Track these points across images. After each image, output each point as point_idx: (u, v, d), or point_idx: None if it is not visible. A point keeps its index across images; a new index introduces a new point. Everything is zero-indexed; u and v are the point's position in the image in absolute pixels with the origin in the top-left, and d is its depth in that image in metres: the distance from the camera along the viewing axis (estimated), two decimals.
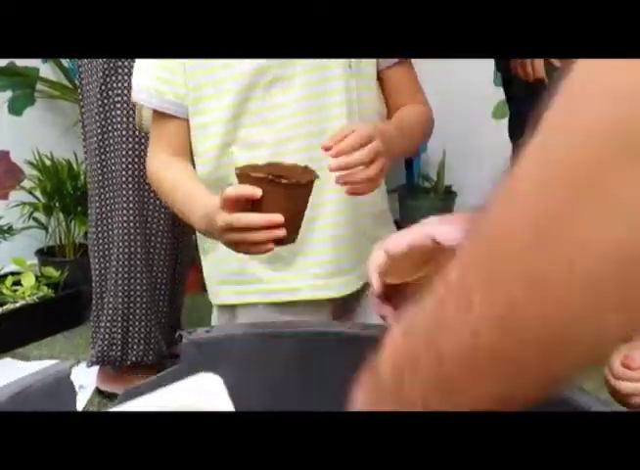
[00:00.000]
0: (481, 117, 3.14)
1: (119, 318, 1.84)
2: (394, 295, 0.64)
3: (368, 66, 0.96)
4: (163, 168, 0.98)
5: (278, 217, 0.74)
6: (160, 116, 0.98)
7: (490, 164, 3.24)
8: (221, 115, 0.95)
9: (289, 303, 0.98)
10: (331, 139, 0.81)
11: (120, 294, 1.82)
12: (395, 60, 0.97)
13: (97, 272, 1.86)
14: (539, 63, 1.98)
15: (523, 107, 2.09)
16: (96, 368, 1.92)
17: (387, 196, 1.11)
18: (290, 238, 0.78)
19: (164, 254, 1.83)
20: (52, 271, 2.41)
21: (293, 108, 0.93)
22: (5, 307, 2.21)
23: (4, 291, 2.28)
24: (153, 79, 0.94)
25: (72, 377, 0.75)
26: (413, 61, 1.11)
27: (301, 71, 0.92)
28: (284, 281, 0.99)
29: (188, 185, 0.95)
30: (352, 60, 0.91)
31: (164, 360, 1.83)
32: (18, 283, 2.36)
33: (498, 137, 3.00)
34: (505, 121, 3.16)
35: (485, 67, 3.11)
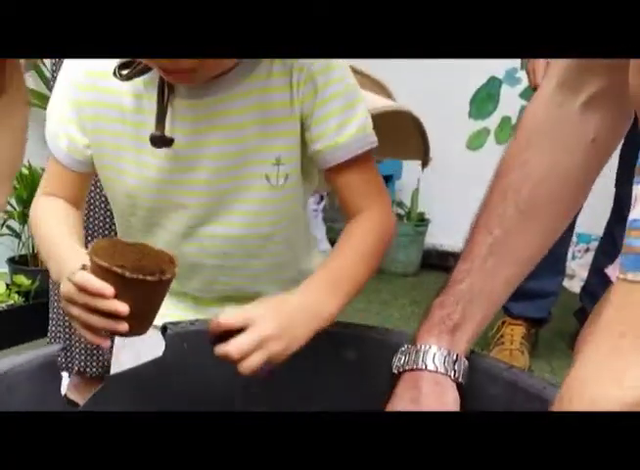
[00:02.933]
0: (456, 147, 3.21)
1: (62, 326, 1.84)
2: None
3: (292, 177, 0.86)
4: (48, 216, 0.89)
5: (123, 307, 0.65)
6: (60, 163, 0.90)
7: (463, 192, 3.30)
8: (121, 188, 0.89)
9: None
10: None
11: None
12: (336, 162, 0.84)
13: (51, 279, 1.86)
14: (539, 69, 1.91)
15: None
16: (66, 378, 1.91)
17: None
18: (133, 331, 0.69)
19: None
20: (23, 280, 2.39)
21: (194, 208, 0.87)
22: None
23: None
24: (62, 135, 0.88)
25: None
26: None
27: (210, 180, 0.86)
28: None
29: (63, 240, 0.84)
30: (271, 173, 0.85)
31: None
32: None
33: (471, 167, 3.07)
34: (479, 153, 3.25)
35: (462, 98, 3.20)
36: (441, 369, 0.65)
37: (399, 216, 3.23)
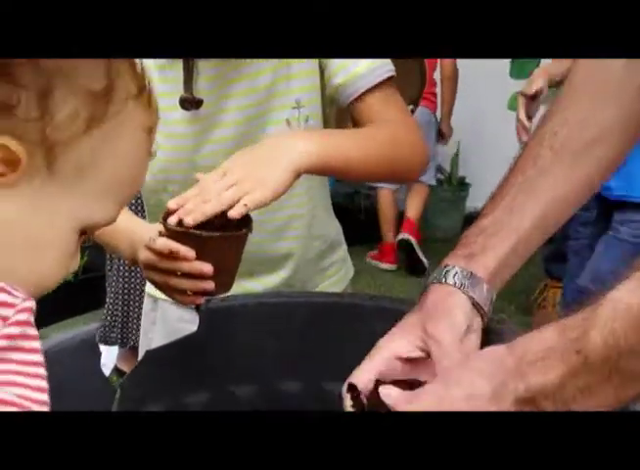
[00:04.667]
0: (497, 108, 3.15)
1: (120, 303, 1.91)
2: None
3: (313, 119, 0.88)
4: None
5: (207, 267, 0.67)
6: None
7: (504, 155, 3.26)
8: (153, 165, 0.88)
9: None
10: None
11: (122, 279, 1.88)
12: (360, 91, 0.84)
13: (108, 256, 1.94)
14: None
15: None
16: (116, 349, 1.98)
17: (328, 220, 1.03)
18: (218, 289, 0.71)
19: None
20: None
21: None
22: None
23: None
24: None
25: None
26: None
27: (234, 121, 0.87)
28: None
29: (124, 216, 0.86)
30: (291, 116, 0.86)
31: None
32: None
33: (513, 128, 3.02)
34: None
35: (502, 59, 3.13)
36: (450, 281, 0.66)
37: (439, 182, 3.20)
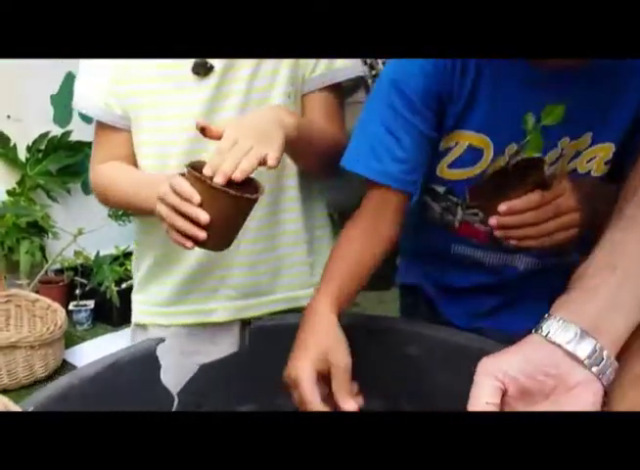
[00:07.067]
0: None
1: None
2: None
3: (293, 96, 0.96)
4: (112, 171, 0.99)
5: (204, 216, 0.72)
6: (104, 126, 0.99)
7: None
8: (157, 137, 0.96)
9: (200, 324, 1.02)
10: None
11: None
12: (319, 85, 0.96)
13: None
14: None
15: None
16: None
17: (318, 218, 1.06)
18: (212, 244, 0.76)
19: None
20: None
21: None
22: (129, 282, 2.46)
23: (128, 267, 2.53)
24: (102, 92, 0.96)
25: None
26: None
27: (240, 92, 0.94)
28: (197, 303, 1.01)
29: (135, 174, 0.96)
30: (291, 90, 0.94)
31: None
32: None
33: None
34: None
35: None
36: (539, 332, 0.62)
37: None
